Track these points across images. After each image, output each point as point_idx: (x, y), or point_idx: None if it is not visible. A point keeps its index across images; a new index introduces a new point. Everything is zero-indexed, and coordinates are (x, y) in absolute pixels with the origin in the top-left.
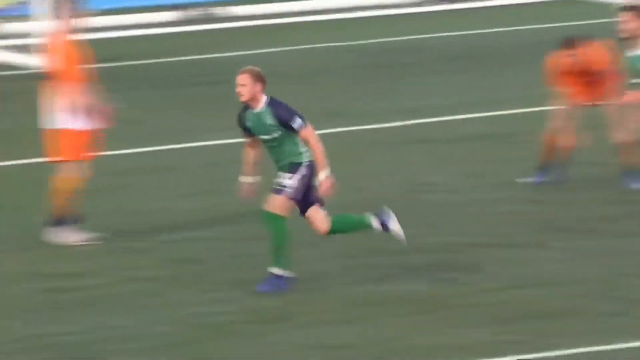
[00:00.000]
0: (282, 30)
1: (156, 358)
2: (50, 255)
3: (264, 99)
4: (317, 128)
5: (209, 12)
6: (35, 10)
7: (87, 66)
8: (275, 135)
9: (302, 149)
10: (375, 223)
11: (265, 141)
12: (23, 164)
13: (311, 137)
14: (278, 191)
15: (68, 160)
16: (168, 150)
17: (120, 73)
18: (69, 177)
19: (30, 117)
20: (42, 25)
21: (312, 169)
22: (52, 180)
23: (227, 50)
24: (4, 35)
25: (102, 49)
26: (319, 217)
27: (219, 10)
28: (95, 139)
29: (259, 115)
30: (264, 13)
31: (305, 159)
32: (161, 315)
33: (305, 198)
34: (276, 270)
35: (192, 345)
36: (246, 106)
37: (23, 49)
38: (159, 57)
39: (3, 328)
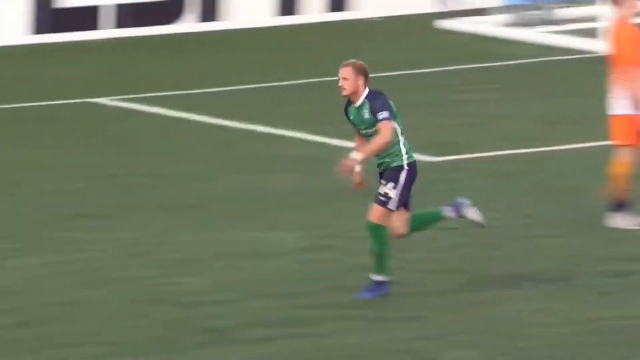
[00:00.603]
0: None
1: None
2: (606, 240)
3: (365, 92)
4: None
5: None
6: None
7: None
8: (374, 129)
9: (402, 148)
10: (448, 213)
11: (365, 135)
12: (584, 147)
13: (384, 130)
14: (381, 202)
15: (625, 145)
16: None
17: None
18: (626, 162)
19: (595, 101)
20: (604, 9)
21: (413, 172)
22: (611, 165)
23: None
24: (563, 20)
25: None
26: (401, 220)
27: None
28: None
29: (358, 109)
30: None
31: (405, 160)
32: None
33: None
34: (378, 277)
35: None
36: (349, 100)
37: (588, 32)
38: None
39: (555, 311)
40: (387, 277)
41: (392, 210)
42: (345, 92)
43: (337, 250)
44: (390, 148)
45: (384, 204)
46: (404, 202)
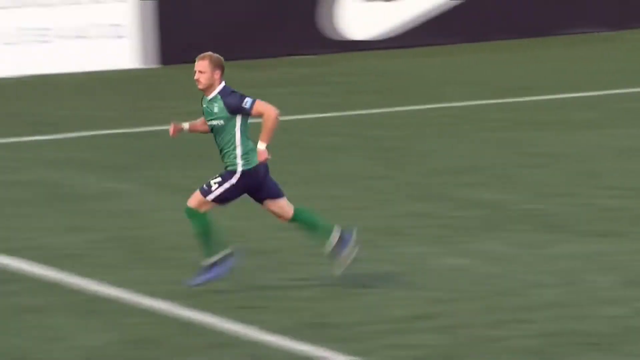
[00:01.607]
0: None
1: None
2: None
3: (219, 87)
4: None
5: None
6: None
7: None
8: (219, 123)
9: (240, 151)
10: (335, 235)
11: (211, 128)
12: None
13: (265, 108)
14: (203, 190)
15: None
16: None
17: None
18: None
19: None
20: None
21: (248, 178)
22: None
23: None
24: None
25: None
26: (278, 206)
27: None
28: None
29: (210, 102)
30: None
31: (241, 167)
32: None
33: (258, 194)
34: (208, 261)
35: None
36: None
37: None
38: None
39: None
40: (216, 256)
41: (210, 202)
42: (200, 86)
43: None
44: (227, 154)
45: (204, 193)
46: (224, 200)
